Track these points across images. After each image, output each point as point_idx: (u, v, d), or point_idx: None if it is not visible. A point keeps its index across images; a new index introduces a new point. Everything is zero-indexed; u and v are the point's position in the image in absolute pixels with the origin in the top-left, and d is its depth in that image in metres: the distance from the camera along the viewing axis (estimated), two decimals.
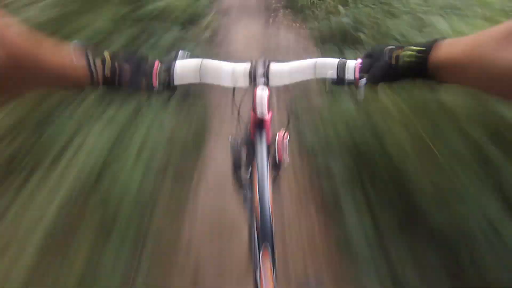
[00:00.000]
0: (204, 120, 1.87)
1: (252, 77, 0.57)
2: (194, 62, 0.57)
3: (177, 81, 0.56)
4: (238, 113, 0.72)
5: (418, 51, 0.46)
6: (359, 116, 1.47)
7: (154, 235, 1.22)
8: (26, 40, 0.33)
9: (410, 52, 0.47)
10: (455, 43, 0.42)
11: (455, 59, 0.40)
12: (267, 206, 0.56)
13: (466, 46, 0.39)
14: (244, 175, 0.84)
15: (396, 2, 2.01)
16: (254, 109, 0.58)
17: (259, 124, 0.62)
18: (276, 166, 0.77)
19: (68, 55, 0.42)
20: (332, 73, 0.58)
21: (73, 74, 0.43)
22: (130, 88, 0.53)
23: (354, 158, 1.40)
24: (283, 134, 0.72)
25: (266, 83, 0.57)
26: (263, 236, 0.53)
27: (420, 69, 0.46)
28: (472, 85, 0.41)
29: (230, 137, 0.78)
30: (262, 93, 0.55)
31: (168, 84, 0.55)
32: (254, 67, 0.57)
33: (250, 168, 0.77)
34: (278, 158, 0.73)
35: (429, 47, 0.44)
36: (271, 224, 0.54)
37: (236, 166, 0.84)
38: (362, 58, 0.56)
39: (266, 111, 0.58)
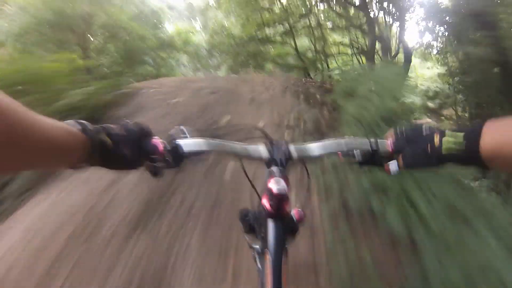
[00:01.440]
0: None
1: (271, 162, 0.53)
2: (202, 140, 0.54)
3: (184, 155, 0.53)
4: (253, 187, 0.66)
5: (462, 138, 0.43)
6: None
7: None
8: (21, 116, 0.32)
9: (452, 139, 0.44)
10: (508, 125, 0.39)
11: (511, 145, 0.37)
12: None
13: None
14: (256, 245, 0.76)
15: None
16: (270, 198, 0.52)
17: (276, 213, 0.55)
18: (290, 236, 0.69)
19: (64, 132, 0.40)
20: (358, 154, 0.53)
21: (69, 151, 0.41)
22: (131, 164, 0.51)
23: None
24: (298, 211, 0.65)
25: (284, 173, 0.52)
26: None
27: (469, 157, 0.42)
28: None
29: (240, 210, 0.70)
30: (278, 187, 0.50)
31: (174, 161, 0.52)
32: (273, 151, 0.53)
33: (261, 243, 0.69)
34: (293, 230, 0.66)
35: (474, 132, 0.41)
36: None
37: (247, 231, 0.76)
38: (394, 140, 0.52)
39: (282, 206, 0.52)
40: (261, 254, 0.71)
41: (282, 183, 0.50)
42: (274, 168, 0.53)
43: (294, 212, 0.65)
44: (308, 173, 0.64)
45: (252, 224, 0.69)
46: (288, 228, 0.63)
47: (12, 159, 0.32)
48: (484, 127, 0.41)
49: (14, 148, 0.31)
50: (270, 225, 0.54)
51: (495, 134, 0.39)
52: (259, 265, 0.74)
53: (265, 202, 0.53)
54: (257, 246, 0.73)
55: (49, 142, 0.36)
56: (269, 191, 0.51)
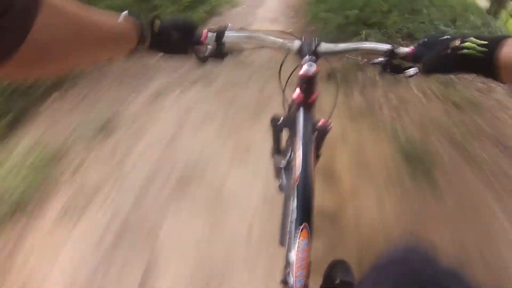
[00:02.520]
0: None
1: (301, 51, 0.57)
2: (244, 33, 0.57)
3: (227, 48, 0.57)
4: (284, 91, 0.70)
5: (482, 45, 0.42)
6: None
7: None
8: (82, 13, 0.34)
9: (472, 44, 0.43)
10: None
11: None
12: (310, 185, 0.54)
13: None
14: (282, 161, 0.82)
15: None
16: (300, 85, 0.57)
17: (305, 99, 0.60)
18: (315, 153, 0.74)
19: (118, 20, 0.44)
20: (381, 59, 0.55)
21: (123, 36, 0.45)
22: (178, 51, 0.55)
23: None
24: (326, 121, 0.70)
25: (314, 60, 0.56)
26: (303, 216, 0.52)
27: (483, 65, 0.42)
28: None
29: (272, 116, 0.75)
30: (309, 66, 0.54)
31: (218, 51, 0.57)
32: (304, 44, 0.56)
33: (290, 155, 0.75)
34: (318, 144, 0.71)
35: (495, 42, 0.41)
36: (312, 205, 0.53)
37: (275, 151, 0.83)
38: (416, 46, 0.53)
39: (313, 88, 0.57)
40: (287, 170, 0.79)
41: (311, 67, 0.54)
42: (305, 57, 0.57)
43: (322, 121, 0.70)
44: (338, 92, 0.68)
45: (282, 128, 0.75)
46: (317, 136, 0.69)
47: (80, 52, 0.35)
48: (504, 41, 0.40)
49: (80, 42, 0.34)
50: (301, 111, 0.59)
51: None
52: (284, 181, 0.81)
53: (296, 92, 0.58)
54: (284, 163, 0.80)
55: (108, 32, 0.40)
56: (300, 76, 0.56)
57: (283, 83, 0.69)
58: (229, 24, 0.59)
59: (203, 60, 0.57)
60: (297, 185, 0.54)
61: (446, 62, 0.47)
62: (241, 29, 0.59)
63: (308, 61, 0.55)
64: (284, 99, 0.71)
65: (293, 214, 0.54)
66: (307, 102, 0.60)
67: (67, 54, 0.33)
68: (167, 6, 3.17)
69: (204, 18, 3.55)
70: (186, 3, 3.45)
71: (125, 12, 0.47)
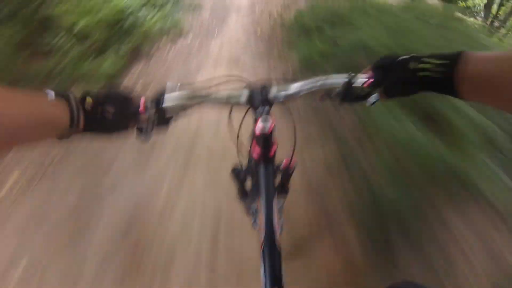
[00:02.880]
0: None
1: (252, 103, 0.53)
2: (185, 92, 0.53)
3: (169, 112, 0.52)
4: (237, 139, 0.66)
5: (439, 65, 0.42)
6: None
7: None
8: None
9: (428, 64, 0.43)
10: (487, 58, 0.38)
11: (489, 76, 0.37)
12: (275, 249, 0.49)
13: (502, 62, 0.36)
14: (253, 204, 0.77)
15: None
16: (257, 142, 0.53)
17: (263, 156, 0.55)
18: (283, 191, 0.71)
19: (44, 103, 0.40)
20: (339, 91, 0.53)
21: (52, 122, 0.40)
22: (116, 129, 0.49)
23: None
24: (289, 161, 0.66)
25: (268, 112, 0.52)
26: (273, 283, 0.46)
27: (443, 84, 0.42)
28: (506, 106, 0.37)
29: (232, 166, 0.71)
30: (264, 125, 0.50)
31: (160, 119, 0.52)
32: (253, 93, 0.53)
33: (256, 200, 0.69)
34: (284, 185, 0.67)
35: (452, 59, 0.41)
36: (280, 268, 0.48)
37: (242, 195, 0.77)
38: (372, 70, 0.52)
39: (271, 144, 0.53)
40: (256, 212, 0.71)
41: (266, 122, 0.50)
42: (258, 110, 0.53)
43: (284, 163, 0.66)
44: (295, 135, 0.65)
45: (245, 180, 0.70)
46: (279, 181, 0.65)
47: None
48: (461, 57, 0.40)
49: None
50: (261, 170, 0.54)
51: (473, 65, 0.39)
52: (257, 223, 0.74)
53: (253, 147, 0.53)
54: (254, 207, 0.75)
55: (31, 118, 0.36)
56: (255, 133, 0.51)
57: (235, 130, 0.65)
58: (168, 84, 0.54)
59: (146, 134, 0.52)
60: (263, 250, 0.49)
61: (407, 85, 0.47)
62: (182, 86, 0.54)
63: (261, 116, 0.51)
64: (238, 148, 0.67)
65: (263, 277, 0.49)
66: (266, 158, 0.55)
67: None
68: (72, 47, 2.30)
69: (127, 63, 2.46)
70: (98, 41, 2.40)
71: (53, 89, 0.42)
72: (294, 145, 0.65)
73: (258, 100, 0.52)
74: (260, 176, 0.54)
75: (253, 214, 0.82)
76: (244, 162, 0.69)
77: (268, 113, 0.52)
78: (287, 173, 0.67)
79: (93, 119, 0.45)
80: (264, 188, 0.53)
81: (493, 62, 0.37)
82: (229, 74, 0.63)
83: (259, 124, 0.50)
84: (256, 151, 0.53)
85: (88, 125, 0.45)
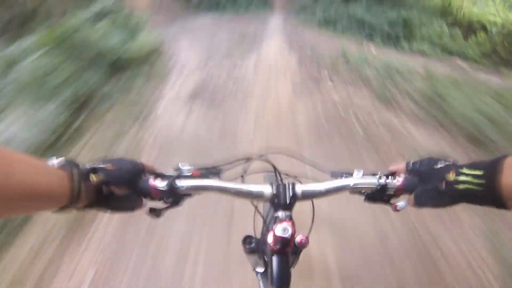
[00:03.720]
0: None
1: (274, 203, 0.51)
2: (201, 183, 0.50)
3: (182, 192, 0.50)
4: (255, 211, 0.64)
5: (479, 176, 0.39)
6: None
7: None
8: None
9: (467, 177, 0.40)
10: None
11: None
12: None
13: None
14: (259, 267, 0.76)
15: None
16: (275, 241, 0.50)
17: (280, 252, 0.53)
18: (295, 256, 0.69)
19: (46, 171, 0.36)
20: (368, 192, 0.51)
21: (52, 196, 0.37)
22: (122, 210, 0.47)
23: None
24: (304, 238, 0.63)
25: (290, 216, 0.50)
26: None
27: (488, 196, 0.39)
28: None
29: (244, 236, 0.69)
30: (284, 231, 0.47)
31: (172, 200, 0.50)
32: (276, 192, 0.50)
33: (265, 268, 0.70)
34: (295, 255, 0.65)
35: (493, 169, 0.38)
36: None
37: (250, 252, 0.75)
38: (406, 179, 0.49)
39: (289, 245, 0.50)
40: (264, 277, 0.72)
41: (289, 228, 0.48)
42: (280, 212, 0.51)
43: (299, 240, 0.63)
44: (313, 213, 0.63)
45: (255, 250, 0.69)
46: (291, 258, 0.63)
47: None
48: (504, 163, 0.37)
49: None
50: (275, 260, 0.53)
51: None
52: (262, 285, 0.75)
53: (270, 239, 0.51)
54: (261, 270, 0.73)
55: (32, 191, 0.33)
56: (275, 235, 0.49)
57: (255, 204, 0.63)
58: (180, 165, 0.53)
59: (157, 214, 0.50)
60: None
61: (442, 198, 0.44)
62: (196, 169, 0.53)
63: (282, 222, 0.48)
64: (255, 221, 0.65)
65: None
66: (283, 251, 0.53)
67: None
68: None
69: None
70: None
71: (60, 160, 0.39)
72: (312, 223, 0.63)
73: (282, 200, 0.50)
74: (274, 264, 0.53)
75: (261, 279, 0.80)
76: (258, 233, 0.68)
77: (290, 216, 0.50)
78: (300, 249, 0.64)
79: (97, 198, 0.43)
80: (277, 277, 0.52)
81: None
82: (251, 157, 0.60)
83: (279, 229, 0.48)
84: (273, 245, 0.51)
85: (91, 203, 0.43)
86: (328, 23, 6.00)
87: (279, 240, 0.48)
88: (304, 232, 0.59)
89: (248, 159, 0.61)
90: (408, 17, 5.36)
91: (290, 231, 0.47)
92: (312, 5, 6.92)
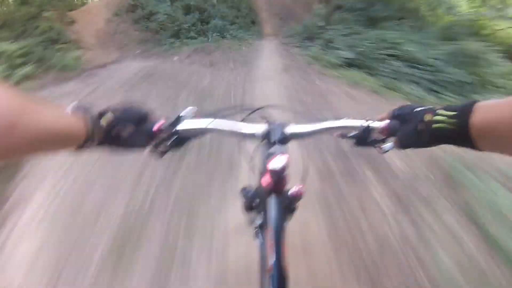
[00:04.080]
0: None
1: (268, 139, 0.55)
2: (202, 122, 0.56)
3: (183, 137, 0.55)
4: (252, 165, 0.68)
5: (452, 116, 0.43)
6: None
7: None
8: (24, 107, 0.33)
9: (442, 116, 0.44)
10: (499, 106, 0.38)
11: (502, 124, 0.36)
12: (284, 276, 0.51)
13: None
14: (257, 220, 0.79)
15: None
16: (270, 175, 0.54)
17: (275, 189, 0.57)
18: (289, 212, 0.72)
19: (64, 115, 0.42)
20: (355, 134, 0.55)
21: (68, 132, 0.42)
22: (131, 146, 0.52)
23: None
24: (298, 188, 0.67)
25: (283, 150, 0.54)
26: None
27: (457, 136, 0.43)
28: None
29: (242, 187, 0.73)
30: (279, 162, 0.51)
31: (175, 141, 0.54)
32: (270, 130, 0.55)
33: (262, 218, 0.71)
34: (291, 207, 0.69)
35: (465, 110, 0.41)
36: None
37: (248, 209, 0.79)
38: (390, 118, 0.53)
39: (284, 179, 0.54)
40: (262, 229, 0.75)
41: (281, 161, 0.51)
42: (273, 147, 0.55)
43: (293, 189, 0.67)
44: (306, 162, 0.67)
45: (253, 201, 0.72)
46: (287, 205, 0.66)
47: (14, 148, 0.33)
48: (475, 106, 0.40)
49: (16, 139, 0.32)
50: (271, 201, 0.56)
51: (486, 114, 0.39)
52: (260, 239, 0.78)
53: (265, 179, 0.55)
54: (258, 222, 0.77)
55: (51, 129, 0.38)
56: (269, 169, 0.53)
57: (253, 162, 0.67)
58: (186, 108, 0.58)
59: (161, 153, 0.55)
60: (271, 276, 0.51)
61: (421, 137, 0.48)
62: (198, 112, 0.58)
63: (277, 154, 0.53)
64: (251, 170, 0.69)
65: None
66: (277, 190, 0.57)
67: None
68: None
69: None
70: None
71: (74, 103, 0.45)
72: (304, 174, 0.66)
73: (275, 137, 0.54)
74: (270, 206, 0.56)
75: (256, 228, 0.83)
76: (254, 184, 0.71)
77: (284, 150, 0.54)
78: (295, 199, 0.68)
79: (109, 136, 0.49)
80: (274, 218, 0.55)
81: (505, 109, 0.36)
82: (251, 108, 0.66)
83: (274, 161, 0.52)
84: (268, 182, 0.55)
85: (104, 141, 0.49)
86: (353, 64, 3.62)
87: (273, 174, 0.52)
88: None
89: (246, 109, 0.67)
90: (474, 52, 3.50)
91: (283, 164, 0.51)
92: (321, 32, 4.45)
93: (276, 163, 0.51)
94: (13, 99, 0.32)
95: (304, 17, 5.24)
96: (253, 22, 5.30)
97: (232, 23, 5.17)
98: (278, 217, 0.55)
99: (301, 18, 5.31)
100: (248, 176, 0.69)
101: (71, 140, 0.43)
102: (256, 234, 0.84)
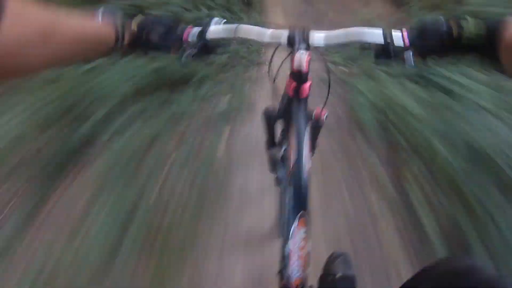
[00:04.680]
0: None
1: (292, 42, 0.54)
2: (229, 26, 0.55)
3: (211, 43, 0.55)
4: (274, 81, 0.69)
5: (481, 28, 0.41)
6: None
7: None
8: (54, 16, 0.34)
9: (469, 27, 0.42)
10: None
11: None
12: (305, 173, 0.54)
13: None
14: (278, 153, 0.82)
15: None
16: (292, 73, 0.55)
17: (297, 90, 0.57)
18: (311, 148, 0.73)
19: (93, 20, 0.43)
20: (375, 43, 0.53)
21: (100, 36, 0.43)
22: (159, 50, 0.53)
23: None
24: (320, 110, 0.69)
25: (306, 48, 0.53)
26: (299, 204, 0.52)
27: (483, 48, 0.41)
28: None
29: (264, 108, 0.74)
30: (301, 56, 0.52)
31: (201, 46, 0.55)
32: (293, 34, 0.54)
33: (285, 146, 0.74)
34: (313, 140, 0.70)
35: (495, 24, 0.40)
36: (308, 192, 0.53)
37: (270, 144, 0.82)
38: (409, 31, 0.51)
39: (306, 80, 0.54)
40: (283, 162, 0.78)
41: (303, 58, 0.52)
42: (296, 50, 0.54)
43: (317, 111, 0.69)
44: (330, 83, 0.65)
45: (275, 122, 0.74)
46: (312, 126, 0.68)
47: (49, 56, 0.34)
48: (505, 23, 0.39)
49: (51, 46, 0.33)
50: (294, 103, 0.57)
51: None
52: (280, 177, 0.81)
53: (289, 83, 0.56)
54: (279, 156, 0.80)
55: (82, 33, 0.39)
56: (293, 69, 0.53)
57: (273, 74, 0.68)
58: (214, 18, 0.57)
59: (186, 60, 0.55)
60: (292, 174, 0.54)
61: (443, 45, 0.46)
62: (225, 22, 0.57)
63: (298, 52, 0.52)
64: (274, 91, 0.69)
65: (290, 203, 0.54)
66: (299, 94, 0.57)
67: (36, 58, 0.32)
68: None
69: None
70: None
71: (102, 9, 0.45)
72: (327, 95, 0.65)
73: (298, 40, 0.53)
74: (292, 110, 0.57)
75: (278, 169, 0.86)
76: (277, 105, 0.72)
77: (306, 50, 0.53)
78: (317, 125, 0.69)
79: (140, 38, 0.50)
80: (296, 120, 0.56)
81: None
82: (272, 22, 0.65)
83: (296, 59, 0.52)
84: (291, 86, 0.56)
85: (132, 44, 0.50)
86: None
87: (296, 72, 0.52)
88: None
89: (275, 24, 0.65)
90: None
91: (305, 62, 0.51)
92: None
93: (298, 61, 0.52)
94: (44, 9, 0.32)
95: None
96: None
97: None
98: (302, 121, 0.56)
99: None
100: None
101: (102, 44, 0.44)
102: (276, 170, 0.87)
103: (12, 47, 0.28)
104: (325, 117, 0.69)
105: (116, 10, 0.47)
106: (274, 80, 0.69)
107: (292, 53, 0.54)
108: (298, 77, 0.53)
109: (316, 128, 0.71)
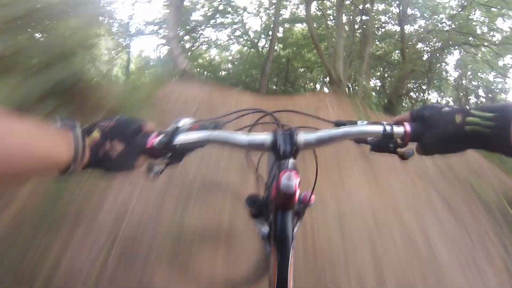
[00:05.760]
0: None
1: (276, 148, 0.48)
2: (201, 134, 0.50)
3: (181, 148, 0.49)
4: (257, 175, 0.66)
5: (491, 118, 0.37)
6: None
7: None
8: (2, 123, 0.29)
9: (477, 118, 0.38)
10: None
11: None
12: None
13: None
14: (263, 229, 0.76)
15: None
16: (278, 193, 0.48)
17: (282, 206, 0.52)
18: (298, 217, 0.70)
19: (48, 136, 0.36)
20: (372, 140, 0.50)
21: (54, 156, 0.36)
22: (122, 168, 0.46)
23: None
24: (309, 195, 0.65)
25: (293, 165, 0.48)
26: None
27: (495, 140, 0.37)
28: None
29: (248, 196, 0.69)
30: (288, 183, 0.45)
31: (172, 157, 0.49)
32: (278, 140, 0.48)
33: (270, 230, 0.69)
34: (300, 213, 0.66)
35: (506, 112, 0.36)
36: None
37: (254, 216, 0.76)
38: (410, 121, 0.47)
39: (294, 199, 0.47)
40: (269, 239, 0.72)
41: (292, 178, 0.45)
42: (283, 161, 0.48)
43: (303, 196, 0.65)
44: (316, 161, 0.62)
45: (260, 210, 0.68)
46: (296, 214, 0.64)
47: None
48: None
49: None
50: (279, 215, 0.51)
51: None
52: (267, 249, 0.75)
53: (274, 197, 0.50)
54: (265, 231, 0.73)
55: (31, 152, 0.32)
56: (279, 185, 0.47)
57: (255, 162, 0.65)
58: (181, 119, 0.51)
59: (156, 173, 0.49)
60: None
61: (450, 142, 0.41)
62: (196, 123, 0.51)
63: (286, 172, 0.46)
64: (257, 179, 0.65)
65: None
66: (287, 206, 0.51)
67: None
68: None
69: None
70: None
71: (60, 119, 0.40)
72: (315, 182, 0.62)
73: (284, 148, 0.47)
74: (277, 221, 0.51)
75: (264, 237, 0.80)
76: (262, 193, 0.68)
77: (293, 166, 0.48)
78: (305, 206, 0.65)
79: (96, 158, 0.42)
80: (279, 234, 0.51)
81: None
82: (254, 108, 0.60)
83: (283, 181, 0.45)
84: (277, 199, 0.50)
85: (92, 161, 0.42)
86: None
87: (283, 191, 0.46)
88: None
89: (250, 111, 0.61)
90: None
91: (294, 181, 0.45)
92: None
93: (286, 182, 0.45)
94: None
95: None
96: None
97: None
98: (285, 234, 0.50)
99: None
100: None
101: (54, 163, 0.37)
102: (263, 243, 0.81)
103: None
104: (312, 202, 0.65)
105: (75, 121, 0.41)
106: (257, 170, 0.65)
107: (277, 162, 0.49)
108: (286, 196, 0.47)
109: (304, 207, 0.67)
